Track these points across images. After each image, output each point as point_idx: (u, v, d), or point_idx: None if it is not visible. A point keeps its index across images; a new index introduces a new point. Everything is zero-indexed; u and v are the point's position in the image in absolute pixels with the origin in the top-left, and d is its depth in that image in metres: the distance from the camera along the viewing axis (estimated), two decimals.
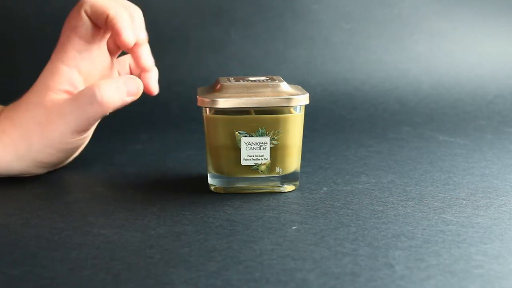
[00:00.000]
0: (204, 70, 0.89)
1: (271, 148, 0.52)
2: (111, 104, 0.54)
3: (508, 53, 0.93)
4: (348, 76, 0.90)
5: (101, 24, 0.55)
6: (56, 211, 0.50)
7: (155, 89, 0.59)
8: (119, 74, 0.60)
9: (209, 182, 0.54)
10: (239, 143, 0.52)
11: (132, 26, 0.55)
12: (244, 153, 0.52)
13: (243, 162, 0.52)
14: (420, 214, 0.49)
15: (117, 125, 0.72)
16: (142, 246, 0.44)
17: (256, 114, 0.52)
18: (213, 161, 0.53)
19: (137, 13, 0.57)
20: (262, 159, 0.52)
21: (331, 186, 0.56)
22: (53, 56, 0.56)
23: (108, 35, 0.57)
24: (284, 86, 0.52)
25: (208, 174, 0.54)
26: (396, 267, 0.40)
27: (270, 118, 0.52)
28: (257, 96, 0.51)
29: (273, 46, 0.91)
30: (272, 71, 0.83)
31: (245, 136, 0.52)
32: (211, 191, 0.54)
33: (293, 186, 0.54)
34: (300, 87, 0.54)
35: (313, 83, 0.88)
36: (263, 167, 0.52)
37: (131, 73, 0.61)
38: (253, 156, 0.52)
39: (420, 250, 0.42)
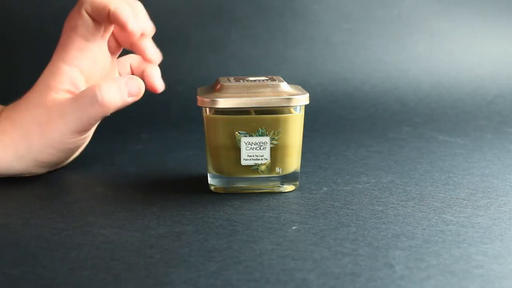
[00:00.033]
0: (204, 70, 0.89)
1: (271, 148, 0.52)
2: (112, 104, 0.54)
3: (508, 53, 0.93)
4: (348, 76, 0.90)
5: (103, 21, 0.54)
6: (56, 211, 0.50)
7: (160, 86, 0.58)
8: (120, 75, 0.60)
9: (209, 182, 0.54)
10: (239, 143, 0.52)
11: (136, 17, 0.55)
12: (244, 153, 0.52)
13: (243, 162, 0.52)
14: (420, 214, 0.49)
15: (117, 125, 0.72)
16: (142, 246, 0.44)
17: (256, 114, 0.52)
18: (213, 161, 0.53)
19: (139, 6, 0.57)
20: (262, 159, 0.52)
21: (331, 186, 0.56)
22: (54, 56, 0.56)
23: (108, 34, 0.57)
24: (284, 86, 0.52)
25: (208, 174, 0.54)
26: (396, 267, 0.40)
27: (270, 118, 0.52)
28: (257, 96, 0.51)
29: (273, 46, 0.91)
30: (272, 71, 0.83)
31: (245, 136, 0.52)
32: (211, 191, 0.54)
33: (293, 186, 0.54)
34: (300, 87, 0.54)
35: (313, 83, 0.88)
36: (263, 167, 0.52)
37: (132, 73, 0.61)
38: (253, 156, 0.52)
39: (420, 250, 0.42)
